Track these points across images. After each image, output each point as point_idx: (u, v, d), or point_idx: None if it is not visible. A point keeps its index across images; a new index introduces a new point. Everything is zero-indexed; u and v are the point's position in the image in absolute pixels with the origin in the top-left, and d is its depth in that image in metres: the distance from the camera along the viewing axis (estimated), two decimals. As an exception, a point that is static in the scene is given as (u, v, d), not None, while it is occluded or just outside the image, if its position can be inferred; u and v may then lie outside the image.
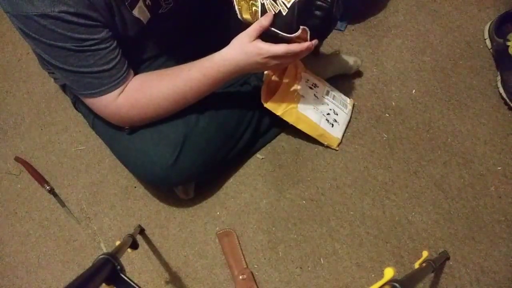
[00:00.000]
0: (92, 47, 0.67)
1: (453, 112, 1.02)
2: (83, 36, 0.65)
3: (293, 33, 0.71)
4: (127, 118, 0.77)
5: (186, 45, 0.90)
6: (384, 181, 0.96)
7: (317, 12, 0.72)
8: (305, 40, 0.74)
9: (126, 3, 0.72)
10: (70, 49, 0.66)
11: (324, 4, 0.72)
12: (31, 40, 0.66)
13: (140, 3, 0.75)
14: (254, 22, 0.72)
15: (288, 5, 0.68)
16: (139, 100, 0.74)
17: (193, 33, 0.92)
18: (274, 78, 0.93)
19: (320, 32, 0.75)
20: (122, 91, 0.74)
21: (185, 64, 0.76)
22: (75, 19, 0.63)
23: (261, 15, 0.71)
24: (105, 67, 0.70)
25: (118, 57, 0.71)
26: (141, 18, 0.77)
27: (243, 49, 0.71)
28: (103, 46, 0.68)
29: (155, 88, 0.75)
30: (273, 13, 0.70)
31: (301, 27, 0.70)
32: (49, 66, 0.73)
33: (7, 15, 0.63)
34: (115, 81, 0.72)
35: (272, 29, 0.71)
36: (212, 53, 0.97)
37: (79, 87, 0.72)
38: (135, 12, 0.75)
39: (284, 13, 0.69)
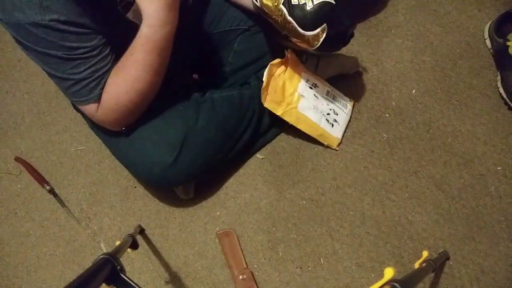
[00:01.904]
0: (84, 55, 0.67)
1: (453, 112, 1.02)
2: (74, 45, 0.65)
3: (306, 31, 0.70)
4: (112, 122, 0.76)
5: (183, 47, 0.90)
6: (384, 181, 0.96)
7: (338, 24, 0.72)
8: (309, 45, 0.72)
9: (119, 7, 0.72)
10: (61, 57, 0.65)
11: (347, 20, 0.72)
12: (23, 47, 0.66)
13: (135, 6, 0.75)
14: (274, 9, 0.71)
15: (315, 2, 0.68)
16: (110, 104, 0.73)
17: (190, 35, 0.92)
18: (274, 78, 0.93)
19: (329, 44, 0.74)
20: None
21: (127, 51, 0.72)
22: (66, 27, 0.63)
23: (284, 2, 0.70)
24: (96, 74, 0.69)
25: (109, 64, 0.71)
26: (136, 21, 0.77)
27: None
28: (95, 53, 0.68)
29: (115, 86, 0.72)
30: (297, 2, 0.69)
31: (321, 27, 0.69)
32: None
33: (1, 23, 0.63)
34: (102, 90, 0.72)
35: (289, 17, 0.70)
36: (209, 55, 0.96)
37: (69, 93, 0.72)
38: (129, 16, 0.75)
39: (307, 8, 0.68)
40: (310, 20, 0.70)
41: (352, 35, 0.78)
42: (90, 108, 0.73)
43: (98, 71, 0.69)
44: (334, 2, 0.72)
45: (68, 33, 0.64)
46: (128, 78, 0.71)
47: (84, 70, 0.68)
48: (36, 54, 0.66)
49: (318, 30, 0.70)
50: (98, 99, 0.72)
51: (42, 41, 0.63)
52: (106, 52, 0.70)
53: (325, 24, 0.70)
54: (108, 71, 0.71)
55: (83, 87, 0.70)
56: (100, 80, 0.71)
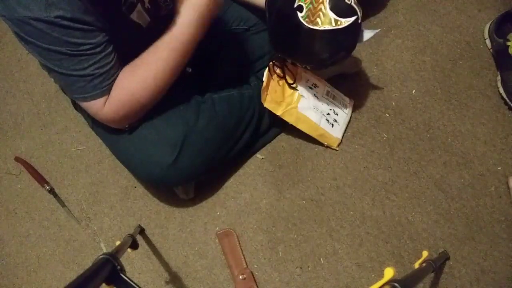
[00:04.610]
0: (88, 52, 0.67)
1: (453, 112, 1.02)
2: (79, 41, 0.65)
3: (343, 18, 0.75)
4: (119, 119, 0.76)
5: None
6: (384, 181, 0.96)
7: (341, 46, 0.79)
8: (316, 23, 0.75)
9: (124, 8, 0.72)
10: (65, 53, 0.65)
11: (349, 47, 0.82)
12: (26, 44, 0.66)
13: (139, 7, 0.74)
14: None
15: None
16: (122, 98, 0.73)
17: None
18: (274, 78, 0.93)
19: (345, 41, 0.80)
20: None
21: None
22: (71, 24, 0.63)
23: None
24: (100, 71, 0.69)
25: (113, 61, 0.71)
26: (140, 22, 0.77)
27: None
28: (99, 50, 0.68)
29: (132, 81, 0.73)
30: None
31: (358, 14, 0.76)
32: None
33: (2, 19, 0.63)
34: (109, 86, 0.72)
35: (328, 9, 0.74)
36: (211, 54, 0.96)
37: (72, 90, 0.72)
38: (134, 17, 0.75)
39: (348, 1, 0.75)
40: (348, 10, 0.75)
41: (335, 62, 0.85)
42: (95, 105, 0.73)
43: (102, 68, 0.69)
44: (359, 19, 0.77)
45: (72, 29, 0.64)
46: (148, 74, 0.73)
47: (89, 66, 0.68)
48: (40, 51, 0.66)
49: (355, 17, 0.75)
50: (103, 95, 0.72)
51: (47, 37, 0.63)
52: (110, 49, 0.70)
53: (356, 17, 0.76)
54: (113, 67, 0.71)
55: (87, 83, 0.70)
56: (105, 76, 0.71)
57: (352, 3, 0.76)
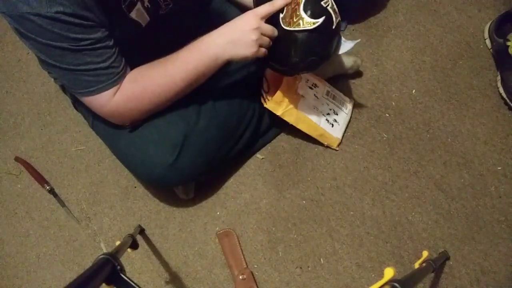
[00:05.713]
0: (89, 47, 0.67)
1: (453, 112, 1.02)
2: (79, 36, 0.65)
3: (315, 18, 0.73)
4: (125, 113, 0.76)
5: (181, 45, 0.90)
6: (384, 181, 0.96)
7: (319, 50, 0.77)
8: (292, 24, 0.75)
9: (123, 6, 0.72)
10: (66, 48, 0.65)
11: (325, 50, 0.78)
12: (26, 40, 0.66)
13: (138, 6, 0.74)
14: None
15: (329, 5, 0.73)
16: (134, 91, 0.74)
17: (193, 33, 0.92)
18: (274, 78, 0.93)
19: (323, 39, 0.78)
20: (119, 89, 0.74)
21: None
22: (71, 19, 0.63)
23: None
24: (102, 65, 0.69)
25: (115, 55, 0.71)
26: (140, 21, 0.77)
27: (234, 19, 0.74)
28: (99, 45, 0.68)
29: (147, 76, 0.74)
30: None
31: (333, 19, 0.73)
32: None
33: (2, 15, 0.63)
34: (112, 79, 0.71)
35: (301, 10, 0.72)
36: None
37: (76, 85, 0.72)
38: (133, 15, 0.75)
39: (324, 4, 0.73)
40: (316, 10, 0.73)
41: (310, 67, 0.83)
42: (102, 97, 0.73)
43: (105, 62, 0.69)
44: (333, 24, 0.75)
45: (72, 25, 0.64)
46: (160, 71, 0.74)
47: (91, 61, 0.68)
48: (41, 47, 0.66)
49: (316, 20, 0.72)
50: (110, 87, 0.72)
51: (47, 33, 0.63)
52: (111, 43, 0.70)
53: (324, 18, 0.73)
54: (115, 61, 0.71)
55: (92, 77, 0.70)
56: (110, 69, 0.70)
57: (328, 8, 0.74)
